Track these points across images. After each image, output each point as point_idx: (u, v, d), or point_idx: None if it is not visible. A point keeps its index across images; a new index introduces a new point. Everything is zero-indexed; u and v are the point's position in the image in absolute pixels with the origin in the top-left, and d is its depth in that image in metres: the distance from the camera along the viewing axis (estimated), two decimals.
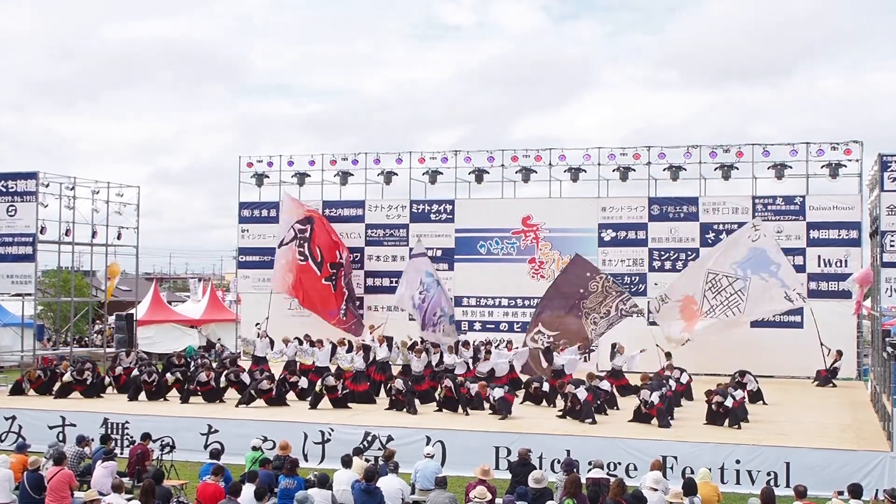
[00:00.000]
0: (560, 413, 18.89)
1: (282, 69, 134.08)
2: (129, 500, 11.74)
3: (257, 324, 28.11)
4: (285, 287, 29.98)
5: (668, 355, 23.45)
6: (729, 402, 17.68)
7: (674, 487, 11.83)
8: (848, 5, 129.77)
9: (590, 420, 17.96)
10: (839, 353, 25.12)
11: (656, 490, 11.75)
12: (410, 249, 28.95)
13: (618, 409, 19.92)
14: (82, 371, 21.87)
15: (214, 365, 23.61)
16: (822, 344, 25.04)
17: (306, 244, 29.88)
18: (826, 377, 24.87)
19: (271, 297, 30.10)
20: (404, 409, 19.38)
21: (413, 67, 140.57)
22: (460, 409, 19.16)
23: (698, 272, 24.77)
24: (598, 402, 19.09)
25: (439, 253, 30.18)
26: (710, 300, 24.40)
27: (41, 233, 27.31)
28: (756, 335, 26.44)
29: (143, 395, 21.12)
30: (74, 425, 18.56)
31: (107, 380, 22.46)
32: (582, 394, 18.36)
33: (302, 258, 29.88)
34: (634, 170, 28.67)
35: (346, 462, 13.37)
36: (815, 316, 25.29)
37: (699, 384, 21.26)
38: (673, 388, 19.50)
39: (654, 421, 17.54)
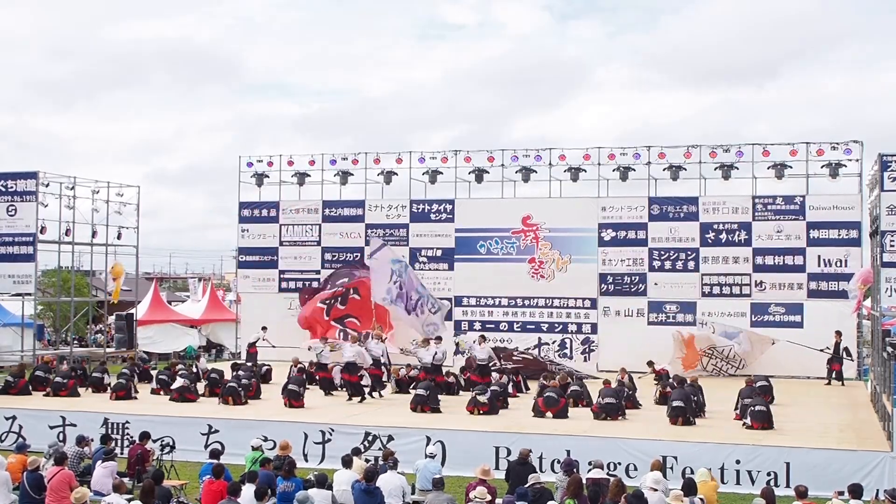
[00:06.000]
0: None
1: (282, 69, 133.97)
2: (129, 500, 11.75)
3: (264, 327, 28.17)
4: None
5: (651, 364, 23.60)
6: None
7: (674, 490, 11.80)
8: (847, 5, 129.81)
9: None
10: (838, 334, 25.17)
11: (656, 490, 11.74)
12: (367, 248, 29.08)
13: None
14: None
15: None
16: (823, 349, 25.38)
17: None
18: (839, 372, 24.94)
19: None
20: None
21: (413, 67, 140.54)
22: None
23: None
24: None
25: (439, 253, 30.19)
26: None
27: (41, 232, 27.33)
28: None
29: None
30: (74, 425, 18.55)
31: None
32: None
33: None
34: (634, 170, 28.65)
35: (347, 462, 13.36)
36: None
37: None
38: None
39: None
